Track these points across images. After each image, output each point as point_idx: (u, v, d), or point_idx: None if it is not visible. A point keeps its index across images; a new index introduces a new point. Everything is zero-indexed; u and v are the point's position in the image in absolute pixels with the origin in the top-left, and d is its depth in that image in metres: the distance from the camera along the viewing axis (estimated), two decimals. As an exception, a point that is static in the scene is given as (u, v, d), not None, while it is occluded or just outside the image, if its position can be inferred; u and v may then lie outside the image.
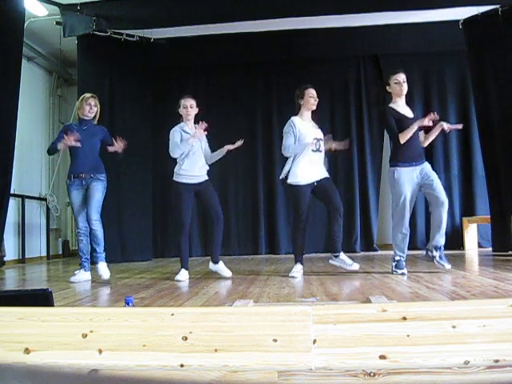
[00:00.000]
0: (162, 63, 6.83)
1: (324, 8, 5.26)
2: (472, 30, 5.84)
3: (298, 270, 4.02)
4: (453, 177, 6.87)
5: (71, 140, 3.93)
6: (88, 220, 4.04)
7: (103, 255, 4.10)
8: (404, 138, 3.86)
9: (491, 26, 5.54)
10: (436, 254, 3.92)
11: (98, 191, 4.07)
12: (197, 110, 4.19)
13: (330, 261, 4.10)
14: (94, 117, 4.22)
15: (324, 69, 7.00)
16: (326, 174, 4.12)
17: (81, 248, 4.13)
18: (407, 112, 3.98)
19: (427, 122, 3.82)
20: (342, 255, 4.06)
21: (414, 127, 3.83)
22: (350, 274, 3.98)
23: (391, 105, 4.02)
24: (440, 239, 3.91)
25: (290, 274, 3.99)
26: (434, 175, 3.94)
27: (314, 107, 4.12)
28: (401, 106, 3.99)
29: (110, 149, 4.20)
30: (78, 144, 3.97)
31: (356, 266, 4.00)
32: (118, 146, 4.16)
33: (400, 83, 3.95)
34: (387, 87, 4.03)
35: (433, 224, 3.95)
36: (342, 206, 4.09)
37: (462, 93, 6.87)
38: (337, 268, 4.12)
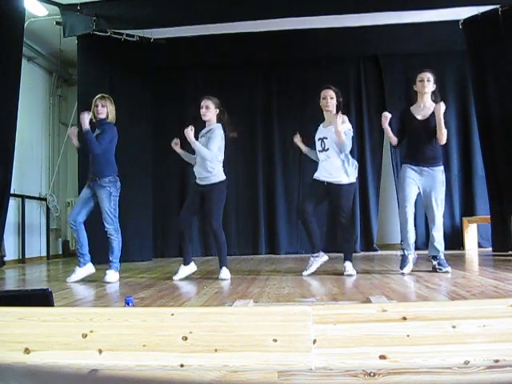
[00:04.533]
0: (162, 63, 6.82)
1: (324, 8, 5.25)
2: (472, 29, 5.83)
3: (311, 263, 4.07)
4: (453, 177, 6.86)
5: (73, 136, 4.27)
6: (105, 229, 4.10)
7: (116, 264, 4.10)
8: (391, 142, 4.10)
9: (491, 26, 5.54)
10: (435, 262, 4.01)
11: (104, 201, 4.06)
12: (216, 110, 4.13)
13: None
14: (107, 117, 4.16)
15: (324, 69, 6.99)
16: (337, 180, 4.01)
17: (76, 240, 4.21)
18: (422, 113, 3.97)
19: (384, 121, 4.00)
20: (346, 263, 4.03)
21: (387, 132, 4.08)
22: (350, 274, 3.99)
23: (412, 107, 4.06)
24: (432, 249, 4.01)
25: (304, 272, 4.05)
26: (434, 191, 3.92)
27: (328, 109, 4.06)
28: (421, 105, 4.00)
29: (83, 127, 4.05)
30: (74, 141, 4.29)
31: (350, 275, 3.96)
32: (81, 119, 4.05)
33: (423, 81, 3.97)
34: (414, 86, 4.06)
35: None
36: (343, 218, 4.06)
37: (462, 93, 6.87)
38: (337, 268, 4.14)
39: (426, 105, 3.98)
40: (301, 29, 6.13)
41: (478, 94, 5.88)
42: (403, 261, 3.97)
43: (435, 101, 3.98)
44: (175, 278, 4.03)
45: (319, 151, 4.10)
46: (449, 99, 6.88)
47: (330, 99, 4.05)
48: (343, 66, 7.15)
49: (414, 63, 6.71)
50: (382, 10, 5.33)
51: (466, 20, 5.89)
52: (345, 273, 3.97)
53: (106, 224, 4.07)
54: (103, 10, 5.48)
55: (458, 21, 5.93)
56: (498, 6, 5.45)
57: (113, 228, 4.08)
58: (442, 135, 3.86)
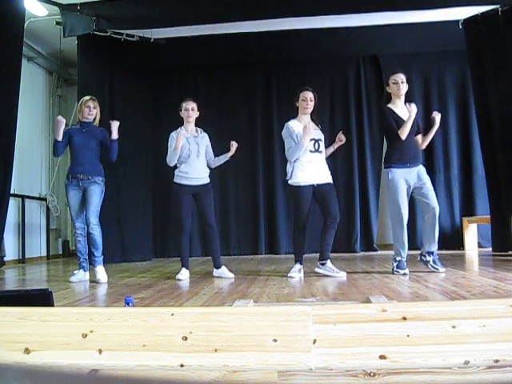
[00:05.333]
0: (162, 63, 6.83)
1: (324, 8, 5.25)
2: (472, 29, 5.83)
3: (296, 270, 4.02)
4: (453, 177, 6.87)
5: (60, 123, 4.02)
6: (87, 224, 4.04)
7: (101, 259, 4.09)
8: (403, 132, 3.87)
9: (491, 26, 5.55)
10: (429, 258, 3.98)
11: (96, 195, 4.06)
12: (198, 113, 4.24)
13: (316, 269, 4.04)
14: (94, 119, 4.20)
15: (324, 69, 7.00)
16: (328, 179, 4.08)
17: (78, 249, 4.12)
18: (404, 114, 3.97)
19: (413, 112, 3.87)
20: (329, 263, 4.01)
21: (409, 121, 3.87)
22: (350, 274, 3.99)
23: (390, 105, 4.03)
24: (432, 245, 3.96)
25: (288, 274, 4.00)
26: (427, 180, 3.96)
27: (307, 111, 4.07)
28: (399, 107, 4.00)
29: (113, 136, 4.10)
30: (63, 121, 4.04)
31: (343, 274, 3.92)
32: (114, 127, 4.09)
33: (398, 83, 3.95)
34: (387, 88, 4.06)
35: (425, 230, 4.00)
36: (339, 215, 4.05)
37: (462, 93, 6.87)
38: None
39: (403, 105, 3.99)
40: (301, 29, 6.13)
41: (477, 93, 5.88)
42: (400, 265, 3.92)
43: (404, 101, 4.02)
44: (181, 277, 4.04)
45: (311, 151, 4.02)
46: (449, 99, 6.91)
47: (310, 101, 4.06)
48: (343, 66, 7.15)
49: (414, 63, 6.74)
50: (382, 10, 5.32)
51: (466, 20, 5.89)
52: (334, 274, 3.92)
53: (91, 218, 4.00)
54: (103, 10, 5.47)
55: (458, 21, 5.94)
56: (497, 6, 5.45)
57: (96, 222, 4.05)
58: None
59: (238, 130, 7.06)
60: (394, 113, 3.96)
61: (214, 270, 4.20)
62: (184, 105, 4.20)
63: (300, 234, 4.09)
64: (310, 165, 4.02)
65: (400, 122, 3.93)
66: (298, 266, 4.05)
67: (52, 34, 6.16)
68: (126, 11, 5.53)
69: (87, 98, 4.20)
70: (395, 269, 3.94)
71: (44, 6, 5.64)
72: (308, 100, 4.06)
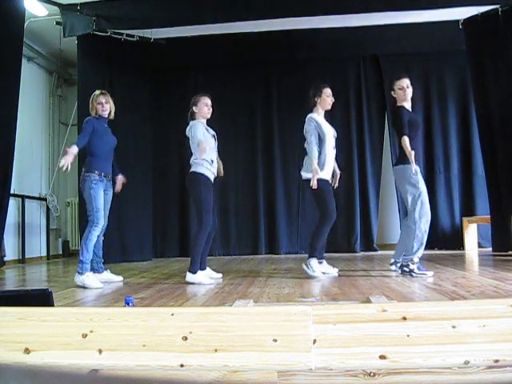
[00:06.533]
0: (162, 63, 6.83)
1: (324, 8, 5.25)
2: (472, 29, 5.83)
3: (315, 265, 3.88)
4: (453, 177, 6.87)
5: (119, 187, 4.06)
6: (103, 227, 3.92)
7: None
8: (407, 149, 3.72)
9: (491, 26, 5.54)
10: (413, 266, 3.81)
11: (111, 200, 4.05)
12: None
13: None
14: (109, 113, 4.00)
15: (324, 69, 6.99)
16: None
17: (94, 249, 3.86)
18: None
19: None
20: (324, 263, 4.15)
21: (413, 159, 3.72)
22: (350, 274, 4.00)
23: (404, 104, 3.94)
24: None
25: (312, 275, 3.85)
26: None
27: (330, 107, 4.17)
28: (409, 109, 3.97)
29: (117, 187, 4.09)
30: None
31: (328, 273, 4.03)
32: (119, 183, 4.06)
33: (404, 89, 3.88)
34: (392, 92, 3.99)
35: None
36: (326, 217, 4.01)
37: (462, 93, 6.87)
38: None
39: (410, 108, 3.97)
40: (301, 29, 6.13)
41: (477, 93, 5.88)
42: (420, 264, 3.77)
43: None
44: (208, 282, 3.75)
45: (334, 148, 4.13)
46: (448, 99, 6.91)
47: (332, 99, 4.16)
48: (343, 66, 7.15)
49: (414, 63, 6.74)
50: (382, 10, 5.32)
51: (465, 20, 5.89)
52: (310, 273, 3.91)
53: (106, 223, 4.01)
54: (103, 10, 5.47)
55: (458, 21, 5.93)
56: (497, 6, 5.45)
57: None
58: None
59: (238, 130, 7.07)
60: (410, 112, 3.90)
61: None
62: (203, 100, 3.93)
63: (327, 226, 3.99)
64: (330, 160, 4.09)
65: (415, 122, 3.88)
66: (314, 260, 3.90)
67: (52, 34, 6.16)
68: (126, 11, 5.53)
69: (97, 92, 3.97)
70: (417, 271, 3.70)
71: (44, 6, 5.64)
72: (331, 97, 4.15)
